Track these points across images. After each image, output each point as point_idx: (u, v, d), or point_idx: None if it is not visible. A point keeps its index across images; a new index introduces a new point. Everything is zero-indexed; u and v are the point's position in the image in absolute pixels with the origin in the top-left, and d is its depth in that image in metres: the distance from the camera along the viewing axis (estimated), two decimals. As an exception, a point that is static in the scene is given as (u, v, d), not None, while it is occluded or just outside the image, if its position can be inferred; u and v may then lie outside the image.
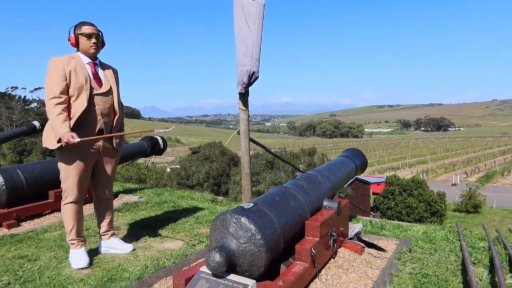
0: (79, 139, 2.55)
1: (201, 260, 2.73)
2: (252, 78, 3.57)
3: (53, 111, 2.56)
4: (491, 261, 2.81)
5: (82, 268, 2.70)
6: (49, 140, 2.68)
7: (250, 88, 3.69)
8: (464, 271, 2.59)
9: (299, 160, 17.88)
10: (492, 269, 2.67)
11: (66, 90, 2.62)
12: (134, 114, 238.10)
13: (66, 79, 2.61)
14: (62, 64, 2.62)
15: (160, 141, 5.26)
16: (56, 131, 2.57)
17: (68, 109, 2.64)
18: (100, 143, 2.80)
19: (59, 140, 2.56)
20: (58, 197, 3.98)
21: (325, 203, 2.78)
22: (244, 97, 3.70)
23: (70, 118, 2.63)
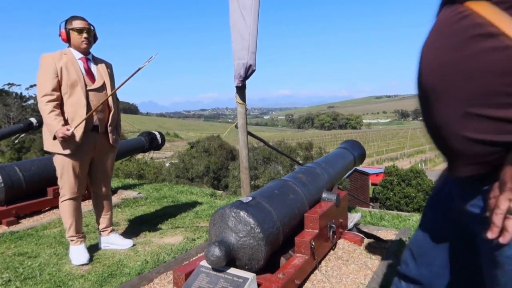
0: (72, 129, 2.54)
1: (201, 254, 2.73)
2: (248, 71, 3.54)
3: (45, 108, 2.55)
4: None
5: (82, 265, 2.70)
6: (47, 142, 2.68)
7: (248, 82, 3.67)
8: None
9: (297, 153, 17.92)
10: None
11: (58, 87, 2.60)
12: (131, 109, 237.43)
13: (57, 76, 2.59)
14: (53, 61, 2.59)
15: (158, 136, 5.25)
16: (50, 129, 2.56)
17: (60, 106, 2.62)
18: (96, 139, 2.78)
19: (55, 137, 2.54)
20: (57, 194, 3.96)
21: (324, 195, 2.78)
22: (241, 90, 3.68)
23: (63, 114, 2.61)
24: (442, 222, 1.08)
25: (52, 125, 2.53)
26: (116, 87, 2.80)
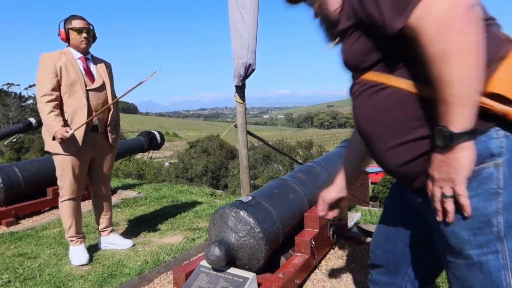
0: (72, 131, 2.53)
1: (201, 254, 2.73)
2: (248, 71, 3.54)
3: (45, 108, 2.54)
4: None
5: (82, 265, 2.70)
6: (47, 142, 2.67)
7: (247, 81, 3.67)
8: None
9: (296, 151, 17.94)
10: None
11: (57, 87, 2.59)
12: (131, 109, 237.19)
13: (57, 76, 2.58)
14: (53, 60, 2.59)
15: (158, 136, 5.24)
16: (49, 129, 2.55)
17: (60, 106, 2.61)
18: (96, 139, 2.77)
19: (54, 138, 2.54)
20: (56, 194, 3.95)
21: (324, 194, 2.78)
22: (240, 90, 3.68)
23: (63, 115, 2.60)
24: (402, 209, 1.31)
25: (51, 126, 2.52)
26: (118, 97, 2.82)
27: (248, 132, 3.83)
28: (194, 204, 4.39)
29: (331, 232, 2.62)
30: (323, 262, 2.56)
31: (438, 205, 0.98)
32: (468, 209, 0.94)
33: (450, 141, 0.91)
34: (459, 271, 1.04)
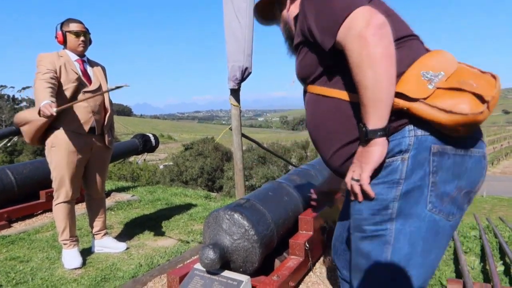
0: (55, 109, 2.23)
1: (195, 257, 2.73)
2: (245, 74, 3.54)
3: (39, 83, 2.36)
4: (482, 249, 2.85)
5: (75, 268, 2.68)
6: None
7: (242, 83, 3.67)
8: (456, 260, 2.63)
9: (291, 154, 17.97)
10: (483, 257, 2.71)
11: (55, 78, 2.48)
12: (125, 111, 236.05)
13: (55, 72, 2.53)
14: (52, 59, 2.57)
15: (152, 138, 5.21)
16: (38, 98, 2.29)
17: (56, 90, 2.46)
18: (92, 141, 2.76)
19: (40, 113, 2.26)
20: (50, 197, 3.93)
21: (318, 197, 2.78)
22: (235, 92, 3.68)
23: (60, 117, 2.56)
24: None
25: (40, 96, 2.27)
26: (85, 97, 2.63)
27: (243, 135, 3.83)
28: (188, 206, 4.38)
29: (325, 235, 2.63)
30: (317, 265, 2.56)
31: (349, 186, 1.14)
32: (370, 193, 1.10)
33: (366, 136, 1.05)
34: (355, 242, 1.20)
